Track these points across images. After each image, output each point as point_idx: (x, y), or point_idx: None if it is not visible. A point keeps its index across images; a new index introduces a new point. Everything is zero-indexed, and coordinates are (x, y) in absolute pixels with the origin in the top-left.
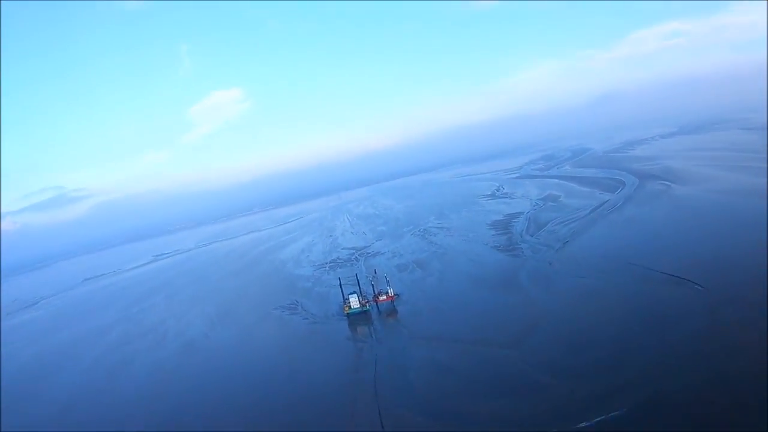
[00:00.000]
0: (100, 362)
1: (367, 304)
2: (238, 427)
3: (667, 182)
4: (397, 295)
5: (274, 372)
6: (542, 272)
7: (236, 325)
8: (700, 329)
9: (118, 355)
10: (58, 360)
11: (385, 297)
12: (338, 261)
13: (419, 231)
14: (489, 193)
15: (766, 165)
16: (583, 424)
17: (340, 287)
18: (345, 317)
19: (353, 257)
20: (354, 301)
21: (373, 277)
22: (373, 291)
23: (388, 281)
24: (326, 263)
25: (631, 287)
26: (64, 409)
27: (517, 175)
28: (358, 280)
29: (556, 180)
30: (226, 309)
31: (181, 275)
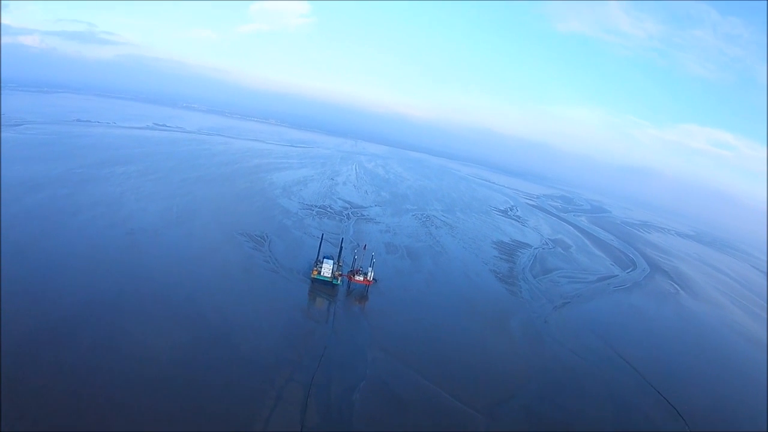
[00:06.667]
0: (36, 215)
1: (340, 278)
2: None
3: (676, 286)
4: (375, 280)
5: (206, 310)
6: (536, 327)
7: (193, 234)
8: None
9: (56, 217)
10: None
11: (362, 278)
12: (329, 210)
13: (423, 216)
14: (502, 208)
15: (765, 315)
16: None
17: (320, 244)
18: (309, 281)
19: (346, 213)
20: (326, 269)
21: (358, 250)
22: (352, 266)
23: (373, 262)
24: (315, 206)
25: (620, 392)
26: None
27: (533, 203)
28: (341, 247)
29: (570, 227)
30: (191, 212)
31: (166, 155)
